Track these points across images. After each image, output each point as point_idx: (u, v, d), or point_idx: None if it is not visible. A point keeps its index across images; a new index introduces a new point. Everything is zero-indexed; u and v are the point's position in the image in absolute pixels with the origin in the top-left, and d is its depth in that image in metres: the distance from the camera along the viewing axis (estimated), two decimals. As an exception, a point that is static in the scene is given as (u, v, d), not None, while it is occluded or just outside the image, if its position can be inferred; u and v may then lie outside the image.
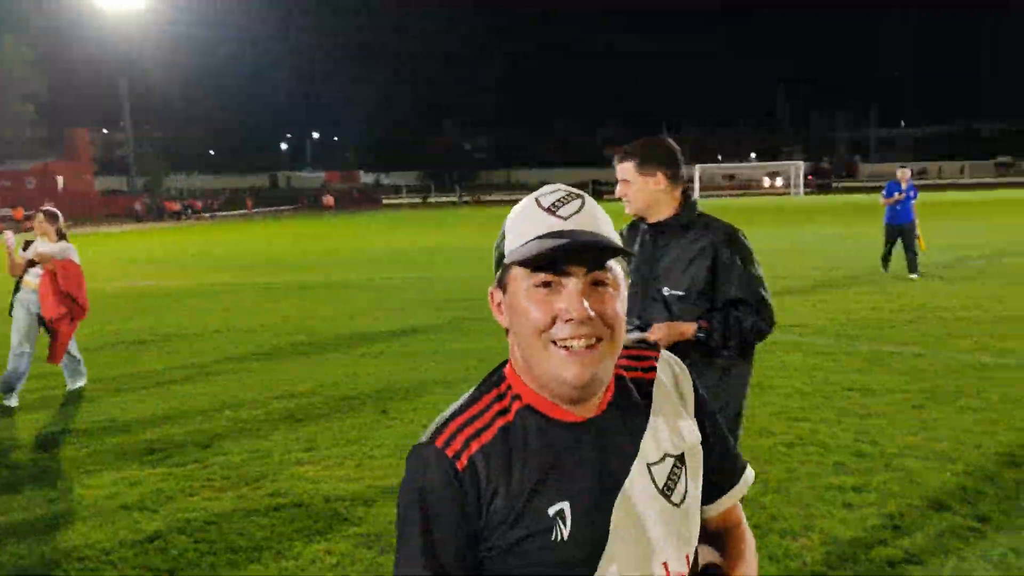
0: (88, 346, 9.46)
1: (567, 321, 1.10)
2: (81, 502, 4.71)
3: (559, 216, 1.14)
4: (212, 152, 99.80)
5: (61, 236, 7.10)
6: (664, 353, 1.30)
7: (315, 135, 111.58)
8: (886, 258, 13.65)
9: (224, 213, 68.18)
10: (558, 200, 1.16)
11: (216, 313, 11.89)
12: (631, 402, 1.21)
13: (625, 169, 2.97)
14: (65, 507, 4.66)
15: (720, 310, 2.85)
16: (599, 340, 1.11)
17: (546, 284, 1.11)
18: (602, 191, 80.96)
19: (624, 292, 1.17)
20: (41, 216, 7.13)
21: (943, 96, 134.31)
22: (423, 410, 6.31)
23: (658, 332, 2.83)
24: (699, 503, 1.25)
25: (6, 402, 6.81)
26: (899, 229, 13.32)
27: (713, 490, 1.29)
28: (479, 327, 9.82)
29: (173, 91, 78.98)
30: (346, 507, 4.46)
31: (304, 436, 5.76)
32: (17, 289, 7.04)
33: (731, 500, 1.34)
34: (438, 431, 1.16)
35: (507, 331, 1.19)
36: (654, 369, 1.27)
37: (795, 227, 27.12)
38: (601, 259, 1.13)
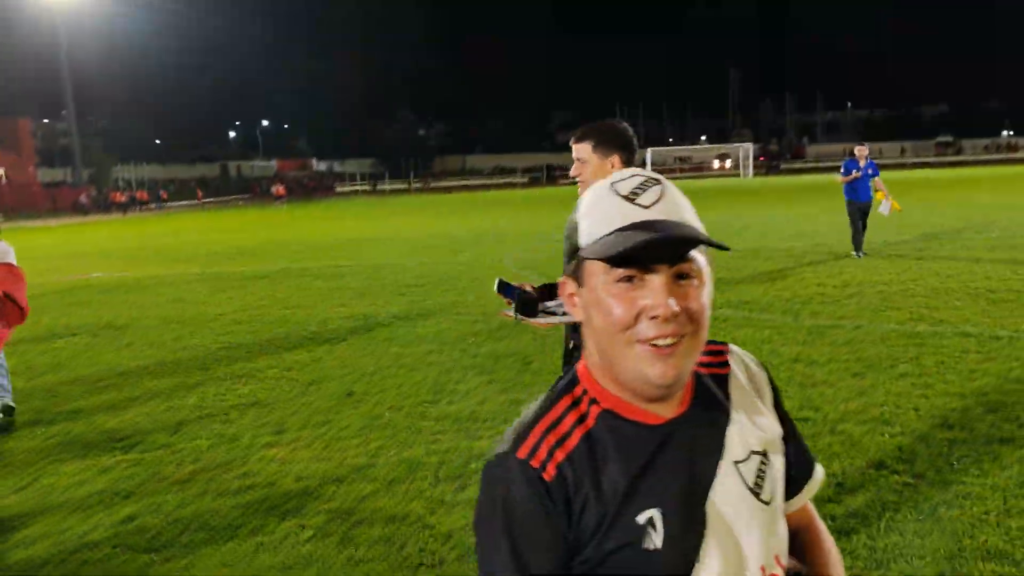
0: (42, 336, 9.41)
1: (652, 318, 1.03)
2: (51, 489, 4.78)
3: (639, 204, 1.06)
4: (158, 142, 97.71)
5: None
6: (734, 347, 1.25)
7: (265, 123, 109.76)
8: (858, 240, 13.15)
9: (174, 204, 67.05)
10: (637, 187, 1.08)
11: (171, 304, 11.85)
12: (711, 399, 1.16)
13: (582, 150, 3.04)
14: (35, 494, 4.72)
15: None
16: (683, 336, 1.05)
17: (627, 278, 1.05)
18: (556, 176, 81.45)
19: (709, 283, 1.10)
20: None
21: (888, 80, 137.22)
22: (389, 391, 6.46)
23: None
24: (783, 500, 1.20)
25: None
26: (860, 207, 13.23)
27: (791, 486, 1.24)
28: (435, 312, 9.99)
29: (116, 79, 77.12)
30: (317, 485, 4.61)
31: (272, 420, 5.88)
32: None
33: (806, 496, 1.29)
34: (518, 440, 1.09)
35: (581, 324, 1.14)
36: (727, 364, 1.22)
37: (744, 208, 27.69)
38: (687, 250, 1.06)
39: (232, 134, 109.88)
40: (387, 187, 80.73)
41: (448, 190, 73.25)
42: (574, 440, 1.08)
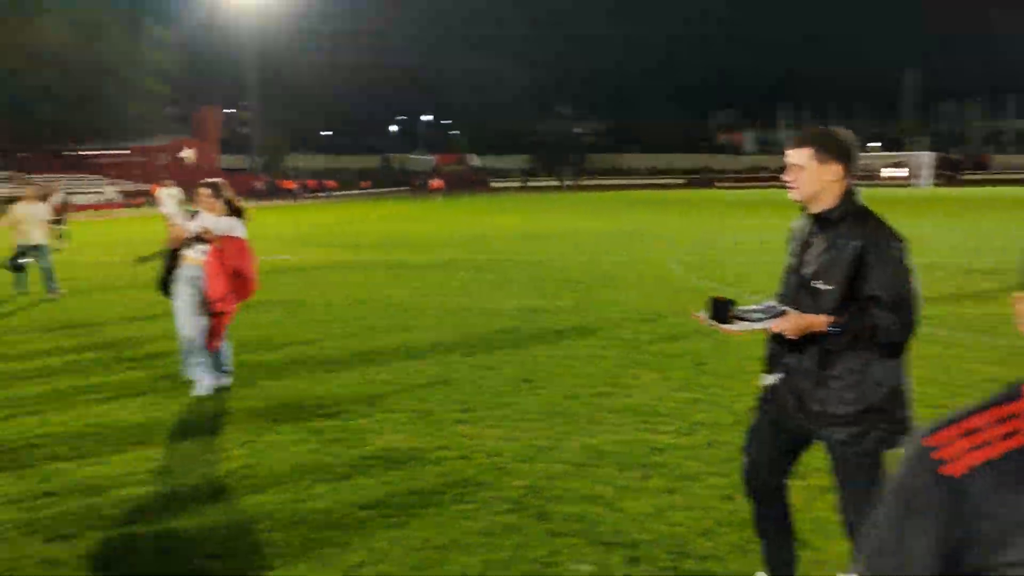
0: (245, 310, 10.25)
1: None
2: (272, 446, 5.32)
3: None
4: (330, 133, 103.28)
5: (232, 209, 6.67)
6: None
7: (427, 118, 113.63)
8: None
9: (339, 193, 70.68)
10: None
11: (353, 287, 12.64)
12: None
13: (801, 155, 2.94)
14: (259, 449, 5.26)
15: (858, 307, 2.83)
16: None
17: None
18: (713, 178, 79.82)
19: None
20: (206, 190, 6.62)
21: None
22: (564, 380, 6.71)
23: (785, 323, 2.88)
24: None
25: (222, 382, 6.66)
26: None
27: None
28: (601, 307, 10.20)
29: (292, 72, 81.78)
30: (508, 462, 4.90)
31: (458, 399, 6.25)
32: (174, 266, 6.66)
33: None
34: (934, 431, 1.12)
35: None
36: None
37: (920, 219, 26.20)
38: None
39: (396, 128, 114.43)
40: (539, 184, 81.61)
41: (602, 189, 73.33)
42: (998, 450, 1.07)
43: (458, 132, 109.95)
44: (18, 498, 4.57)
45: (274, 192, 63.95)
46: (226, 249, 6.49)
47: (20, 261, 12.07)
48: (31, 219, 12.21)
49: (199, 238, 6.49)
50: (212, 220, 6.55)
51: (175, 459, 5.19)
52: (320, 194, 68.74)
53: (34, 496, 4.59)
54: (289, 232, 26.20)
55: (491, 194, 69.03)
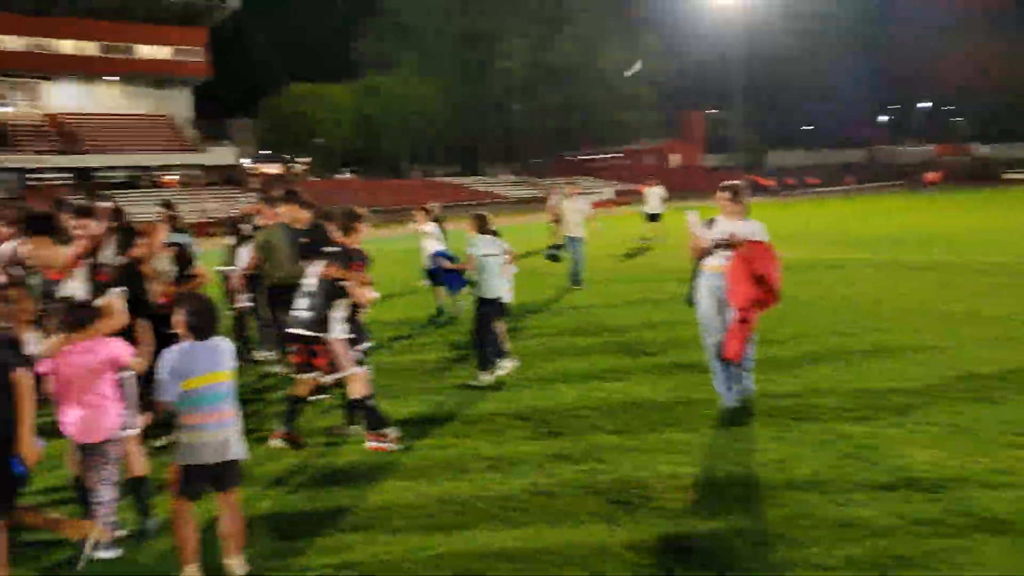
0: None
1: None
2: (800, 444, 5.29)
3: None
4: (811, 128, 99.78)
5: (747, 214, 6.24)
6: None
7: (924, 105, 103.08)
8: None
9: (821, 189, 67.83)
10: None
11: (845, 286, 11.97)
12: None
13: None
14: (790, 445, 5.27)
15: None
16: None
17: None
18: None
19: None
20: (724, 194, 6.27)
21: None
22: None
23: None
24: None
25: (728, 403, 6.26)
26: None
27: None
28: None
29: (777, 71, 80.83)
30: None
31: (1010, 419, 5.52)
32: (696, 274, 6.39)
33: None
34: None
35: None
36: None
37: None
38: None
39: (885, 118, 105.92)
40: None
41: None
42: None
43: (961, 118, 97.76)
44: (575, 460, 5.20)
45: (752, 190, 63.99)
46: (751, 254, 5.98)
47: (556, 252, 13.63)
48: (573, 214, 13.82)
49: (723, 244, 6.08)
50: (733, 225, 6.17)
51: (705, 445, 5.43)
52: (799, 190, 66.78)
53: (589, 460, 5.18)
54: (773, 229, 25.84)
55: (1002, 188, 59.96)
